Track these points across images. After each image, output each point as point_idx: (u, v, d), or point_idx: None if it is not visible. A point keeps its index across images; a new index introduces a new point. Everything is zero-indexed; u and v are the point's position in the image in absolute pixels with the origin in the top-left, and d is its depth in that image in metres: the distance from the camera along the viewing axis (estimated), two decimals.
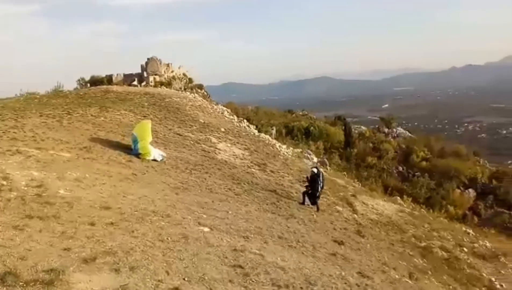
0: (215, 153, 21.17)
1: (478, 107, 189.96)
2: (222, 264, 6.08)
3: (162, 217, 8.09)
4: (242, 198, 13.98)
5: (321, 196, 16.38)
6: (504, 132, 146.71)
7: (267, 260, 6.80)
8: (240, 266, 6.21)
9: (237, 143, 24.82)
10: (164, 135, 21.92)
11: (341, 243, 11.82)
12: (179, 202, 10.02)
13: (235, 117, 33.51)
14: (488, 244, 19.72)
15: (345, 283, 6.88)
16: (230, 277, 5.70)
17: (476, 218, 39.50)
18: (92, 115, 22.59)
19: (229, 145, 23.82)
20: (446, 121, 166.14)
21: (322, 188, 15.66)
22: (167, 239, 6.65)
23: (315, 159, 30.18)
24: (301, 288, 6.17)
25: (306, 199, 15.62)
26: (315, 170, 16.00)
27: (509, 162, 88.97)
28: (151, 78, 41.89)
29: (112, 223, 6.81)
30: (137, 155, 15.47)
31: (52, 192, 8.07)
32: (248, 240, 7.87)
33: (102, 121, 22.30)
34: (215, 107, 34.96)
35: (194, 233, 7.31)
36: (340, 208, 17.82)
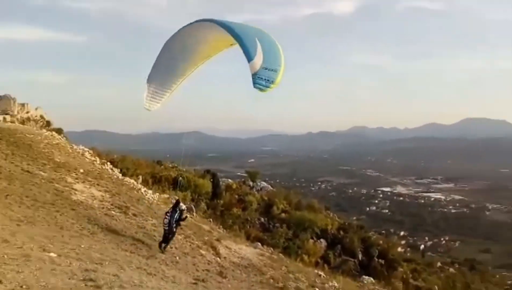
0: (70, 193, 19.22)
1: (329, 169, 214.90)
2: (69, 279, 5.33)
3: None
4: (98, 237, 12.86)
5: (183, 239, 16.04)
6: (350, 191, 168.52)
7: (123, 279, 6.20)
8: (92, 280, 5.51)
9: (97, 185, 22.94)
10: (10, 171, 19.19)
11: (202, 281, 11.86)
12: (20, 232, 8.68)
13: (98, 159, 31.23)
14: (336, 284, 21.69)
15: None
16: (79, 288, 5.04)
17: (326, 266, 43.06)
18: None
19: (87, 186, 21.90)
20: (303, 179, 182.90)
21: (178, 225, 15.19)
22: (3, 256, 5.62)
23: (183, 206, 29.61)
24: None
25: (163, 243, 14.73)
26: (183, 206, 15.78)
27: (354, 218, 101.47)
28: (0, 118, 36.99)
29: None
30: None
31: None
32: (103, 266, 7.10)
33: None
34: (75, 147, 32.15)
35: (37, 255, 6.32)
36: (204, 252, 17.76)
